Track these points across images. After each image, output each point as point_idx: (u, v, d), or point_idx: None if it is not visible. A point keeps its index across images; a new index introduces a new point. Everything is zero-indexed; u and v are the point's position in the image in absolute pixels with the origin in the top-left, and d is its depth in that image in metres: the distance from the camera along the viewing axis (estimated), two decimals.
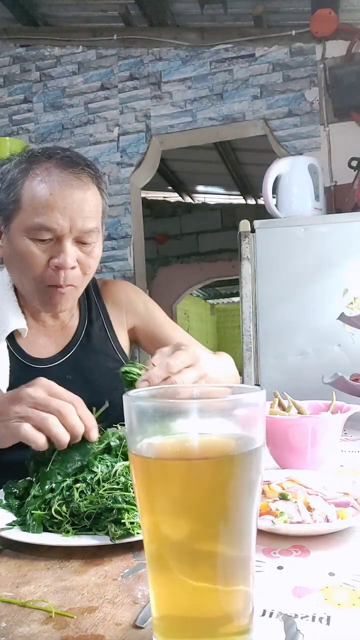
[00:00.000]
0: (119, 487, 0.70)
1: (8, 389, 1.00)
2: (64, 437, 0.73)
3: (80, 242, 0.99)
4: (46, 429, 0.72)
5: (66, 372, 1.09)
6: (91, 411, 0.80)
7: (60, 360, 1.10)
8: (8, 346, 1.06)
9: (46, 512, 0.68)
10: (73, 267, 0.98)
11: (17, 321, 1.05)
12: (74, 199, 0.96)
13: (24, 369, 1.05)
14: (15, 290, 1.11)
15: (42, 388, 0.75)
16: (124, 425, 0.53)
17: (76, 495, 0.69)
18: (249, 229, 2.38)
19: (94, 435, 0.76)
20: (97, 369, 1.13)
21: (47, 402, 0.74)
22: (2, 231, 1.03)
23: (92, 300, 1.19)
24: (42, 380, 0.77)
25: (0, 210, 1.01)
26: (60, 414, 0.73)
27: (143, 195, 3.99)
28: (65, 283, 0.98)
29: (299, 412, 0.96)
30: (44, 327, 1.12)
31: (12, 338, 1.07)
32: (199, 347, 1.24)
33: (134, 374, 0.82)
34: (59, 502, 0.69)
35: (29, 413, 0.73)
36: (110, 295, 1.22)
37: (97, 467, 0.74)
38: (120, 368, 0.84)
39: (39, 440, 0.72)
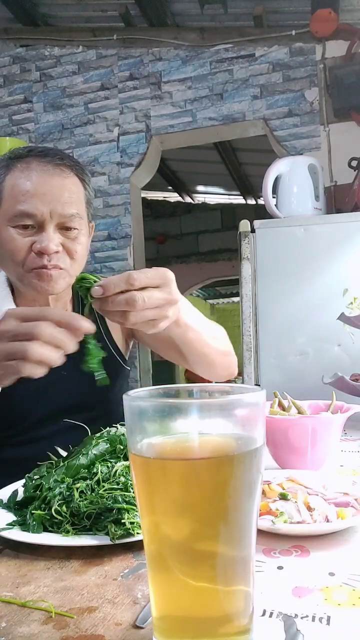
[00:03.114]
0: (119, 487, 0.70)
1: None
2: (52, 356, 0.69)
3: (63, 227, 1.00)
4: (32, 357, 0.68)
5: (61, 367, 1.09)
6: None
7: None
8: None
9: (46, 512, 0.68)
10: (57, 252, 0.99)
11: None
12: (52, 185, 0.99)
13: None
14: (12, 289, 1.12)
15: (11, 318, 0.70)
16: (123, 424, 0.53)
17: (76, 495, 0.69)
18: (249, 229, 2.38)
19: (85, 326, 0.70)
20: None
21: (21, 330, 0.69)
22: None
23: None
24: (9, 311, 0.72)
25: None
26: (39, 335, 0.68)
27: (143, 195, 3.99)
28: (50, 264, 0.99)
29: (299, 412, 0.96)
30: None
31: None
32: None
33: (90, 281, 0.74)
34: (59, 502, 0.69)
35: (12, 348, 0.69)
36: None
37: (97, 468, 0.74)
38: (77, 276, 0.77)
39: (37, 370, 0.70)
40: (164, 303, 0.75)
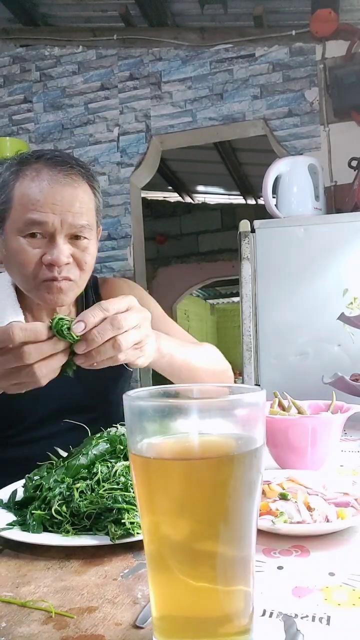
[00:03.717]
0: (119, 487, 0.70)
1: None
2: (34, 379, 0.70)
3: (73, 237, 0.99)
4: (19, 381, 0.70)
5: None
6: None
7: None
8: None
9: (46, 512, 0.68)
10: (67, 263, 0.98)
11: (14, 317, 1.06)
12: (63, 196, 0.97)
13: None
14: (17, 289, 1.11)
15: None
16: (124, 425, 0.53)
17: (76, 495, 0.69)
18: (249, 229, 2.38)
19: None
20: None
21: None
22: None
23: (90, 300, 1.18)
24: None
25: None
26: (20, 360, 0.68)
27: (143, 195, 4.00)
28: (60, 276, 0.98)
29: (299, 412, 0.96)
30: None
31: None
32: (193, 340, 1.22)
33: (67, 320, 0.71)
34: (59, 502, 0.69)
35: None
36: (108, 294, 1.21)
37: (98, 468, 0.74)
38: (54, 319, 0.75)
39: (30, 385, 0.71)
40: (141, 322, 0.77)
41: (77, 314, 1.15)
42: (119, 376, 1.18)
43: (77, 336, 0.70)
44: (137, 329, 0.76)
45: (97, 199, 1.06)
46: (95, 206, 1.05)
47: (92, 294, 1.19)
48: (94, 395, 1.12)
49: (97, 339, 0.71)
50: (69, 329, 0.70)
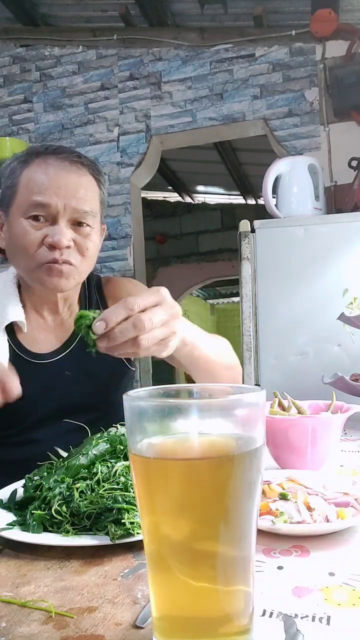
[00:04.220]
0: (119, 487, 0.70)
1: None
2: None
3: (75, 223, 1.01)
4: None
5: (65, 367, 1.10)
6: None
7: (60, 356, 1.10)
8: (8, 340, 1.06)
9: (46, 512, 0.68)
10: (68, 247, 0.99)
11: (16, 313, 1.06)
12: (68, 181, 0.99)
13: (24, 364, 1.06)
14: (19, 287, 1.12)
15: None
16: (124, 425, 0.53)
17: (76, 495, 0.69)
18: (249, 229, 2.38)
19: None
20: (95, 365, 1.13)
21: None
22: (2, 222, 1.06)
23: (93, 297, 1.18)
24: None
25: (2, 199, 1.05)
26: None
27: (143, 195, 3.99)
28: (61, 258, 0.98)
29: (299, 412, 0.96)
30: (44, 323, 1.12)
31: (12, 333, 1.08)
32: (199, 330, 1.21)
33: (89, 318, 0.71)
34: (59, 502, 0.69)
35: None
36: (112, 293, 1.21)
37: (98, 468, 0.74)
38: (76, 315, 0.75)
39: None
40: (169, 318, 0.74)
41: (81, 309, 1.16)
42: (122, 375, 1.18)
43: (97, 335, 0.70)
44: (163, 326, 0.74)
45: (102, 192, 1.08)
46: (100, 198, 1.07)
47: (95, 293, 1.19)
48: (95, 395, 1.12)
49: (118, 339, 0.70)
50: (89, 327, 0.70)
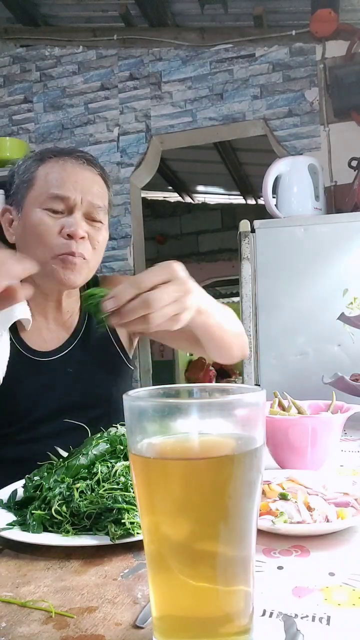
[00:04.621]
0: (119, 487, 0.70)
1: (5, 379, 1.00)
2: None
3: (89, 217, 1.05)
4: None
5: (67, 365, 1.10)
6: None
7: (62, 354, 1.11)
8: (11, 338, 1.07)
9: (46, 512, 0.68)
10: (83, 237, 1.02)
11: (22, 311, 1.06)
12: (84, 177, 1.05)
13: (26, 362, 1.07)
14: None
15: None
16: (124, 425, 0.53)
17: (76, 495, 0.69)
18: (249, 229, 2.38)
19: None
20: (96, 363, 1.14)
21: None
22: (13, 218, 1.08)
23: None
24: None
25: (14, 194, 1.07)
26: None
27: (143, 195, 3.99)
28: (77, 250, 1.01)
29: (299, 412, 0.96)
30: (47, 321, 1.13)
31: (15, 331, 1.08)
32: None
33: (99, 296, 0.72)
34: (59, 502, 0.69)
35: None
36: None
37: (98, 468, 0.74)
38: (84, 293, 0.74)
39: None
40: (181, 294, 0.74)
41: (81, 308, 1.16)
42: (121, 375, 1.18)
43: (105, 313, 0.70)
44: (175, 303, 0.73)
45: (110, 194, 1.13)
46: (108, 198, 1.12)
47: None
48: (95, 393, 1.12)
49: (128, 316, 0.70)
50: (98, 304, 0.69)
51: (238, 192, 6.65)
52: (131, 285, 0.70)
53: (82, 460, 0.75)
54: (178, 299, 0.73)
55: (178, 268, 0.75)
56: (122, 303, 0.69)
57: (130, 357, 1.22)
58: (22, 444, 1.07)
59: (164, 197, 7.28)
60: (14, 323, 1.07)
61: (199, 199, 7.37)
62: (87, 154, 1.11)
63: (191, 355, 6.46)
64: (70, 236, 1.00)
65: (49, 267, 1.02)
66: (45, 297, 1.10)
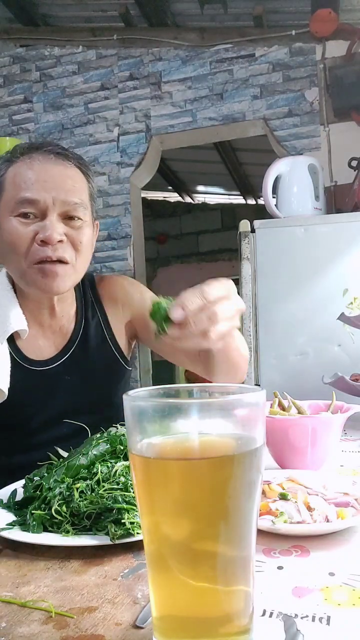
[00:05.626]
0: (119, 487, 0.70)
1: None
2: None
3: (66, 217, 0.98)
4: None
5: (65, 372, 1.08)
6: None
7: (59, 362, 1.09)
8: (8, 349, 1.05)
9: (46, 512, 0.68)
10: (60, 241, 0.96)
11: (19, 322, 1.04)
12: (54, 173, 0.97)
13: (23, 371, 1.04)
14: (15, 292, 1.09)
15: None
16: (124, 425, 0.52)
17: (76, 495, 0.69)
18: (249, 229, 2.38)
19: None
20: (94, 368, 1.12)
21: None
22: None
23: (89, 299, 1.16)
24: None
25: None
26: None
27: (143, 195, 3.99)
28: (55, 255, 0.95)
29: (299, 412, 0.96)
30: (42, 329, 1.10)
31: (11, 340, 1.05)
32: None
33: (165, 304, 0.69)
34: (59, 502, 0.69)
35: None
36: (107, 291, 1.19)
37: (98, 468, 0.74)
38: (151, 304, 0.72)
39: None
40: (235, 314, 0.73)
41: (77, 313, 1.14)
42: (119, 377, 1.18)
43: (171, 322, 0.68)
44: (228, 321, 0.72)
45: (91, 186, 1.05)
46: (89, 191, 1.04)
47: (90, 293, 1.16)
48: (95, 398, 1.12)
49: (191, 328, 0.69)
50: (165, 312, 0.68)
51: (238, 192, 6.66)
52: (198, 296, 0.68)
53: (82, 460, 0.75)
54: (231, 318, 0.73)
55: (233, 287, 0.74)
56: (190, 312, 0.68)
57: (129, 359, 1.21)
58: (26, 451, 1.06)
59: (164, 197, 7.28)
60: (11, 334, 1.05)
61: (199, 199, 7.37)
62: (58, 146, 1.02)
63: None
64: (45, 242, 0.95)
65: (29, 278, 0.98)
66: (38, 305, 1.07)
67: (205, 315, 0.68)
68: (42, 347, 1.09)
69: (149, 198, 6.95)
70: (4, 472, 1.03)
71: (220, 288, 0.71)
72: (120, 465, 0.73)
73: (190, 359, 1.07)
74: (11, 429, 1.07)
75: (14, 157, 1.00)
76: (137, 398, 0.45)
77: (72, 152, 1.04)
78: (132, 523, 0.64)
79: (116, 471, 0.72)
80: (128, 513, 0.65)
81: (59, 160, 0.99)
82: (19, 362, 1.05)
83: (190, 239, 7.63)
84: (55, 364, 1.09)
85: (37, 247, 0.95)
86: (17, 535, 0.65)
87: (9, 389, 1.00)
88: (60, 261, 0.97)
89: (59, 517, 0.67)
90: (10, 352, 1.04)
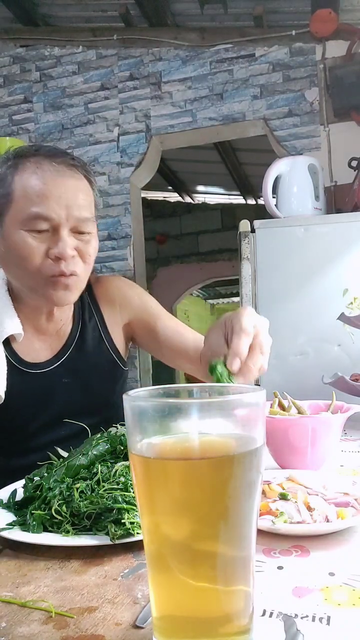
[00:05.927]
0: (119, 487, 0.70)
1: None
2: None
3: (76, 231, 0.97)
4: None
5: (62, 375, 1.08)
6: None
7: (56, 364, 1.08)
8: (4, 352, 1.04)
9: (46, 512, 0.68)
10: (73, 256, 0.96)
11: (13, 326, 1.03)
12: (67, 188, 0.95)
13: (20, 374, 1.04)
14: (10, 294, 1.08)
15: None
16: (124, 425, 0.53)
17: (76, 495, 0.69)
18: (249, 229, 2.38)
19: None
20: (92, 370, 1.11)
21: None
22: None
23: (85, 301, 1.16)
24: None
25: None
26: None
27: (143, 195, 3.99)
28: (67, 270, 0.95)
29: (299, 412, 0.96)
30: (38, 331, 1.09)
31: (7, 343, 1.05)
32: (200, 337, 1.20)
33: (222, 361, 0.78)
34: (59, 502, 0.69)
35: None
36: (104, 293, 1.18)
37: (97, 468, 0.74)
38: (210, 365, 0.78)
39: None
40: (269, 339, 0.84)
41: (74, 315, 1.14)
42: (116, 378, 1.17)
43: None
44: (269, 342, 0.83)
45: (95, 194, 1.04)
46: (95, 202, 1.04)
47: (86, 294, 1.16)
48: (93, 400, 1.11)
49: (251, 369, 0.79)
50: (225, 369, 0.76)
51: (238, 192, 6.66)
52: (244, 337, 0.78)
53: (82, 460, 0.75)
54: (269, 338, 0.83)
55: (251, 309, 0.85)
56: (244, 356, 0.77)
57: (125, 360, 1.21)
58: (25, 454, 1.05)
59: (164, 197, 7.28)
60: (7, 337, 1.04)
61: (199, 199, 7.37)
62: (68, 155, 0.99)
63: None
64: (59, 258, 0.94)
65: (40, 290, 0.98)
66: (36, 310, 1.06)
67: (259, 352, 0.79)
68: (38, 350, 1.08)
69: (149, 198, 6.95)
70: (3, 474, 1.03)
71: (253, 319, 0.81)
72: (120, 465, 0.73)
73: (192, 364, 1.07)
74: (9, 432, 1.07)
75: (19, 163, 0.96)
76: (137, 398, 0.45)
77: (79, 159, 1.01)
78: (132, 523, 0.64)
79: (116, 471, 0.72)
80: (128, 513, 0.65)
81: (69, 172, 0.96)
82: (16, 365, 1.04)
83: (190, 239, 7.63)
84: (52, 367, 1.08)
85: (50, 262, 0.95)
86: (17, 535, 0.65)
87: (6, 393, 0.99)
88: (71, 274, 0.97)
89: (59, 517, 0.67)
90: (6, 355, 1.03)
